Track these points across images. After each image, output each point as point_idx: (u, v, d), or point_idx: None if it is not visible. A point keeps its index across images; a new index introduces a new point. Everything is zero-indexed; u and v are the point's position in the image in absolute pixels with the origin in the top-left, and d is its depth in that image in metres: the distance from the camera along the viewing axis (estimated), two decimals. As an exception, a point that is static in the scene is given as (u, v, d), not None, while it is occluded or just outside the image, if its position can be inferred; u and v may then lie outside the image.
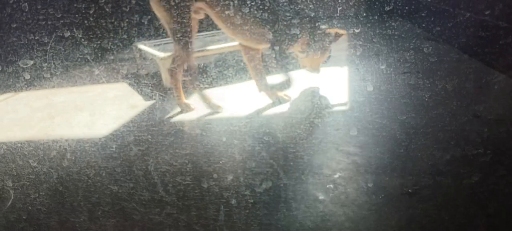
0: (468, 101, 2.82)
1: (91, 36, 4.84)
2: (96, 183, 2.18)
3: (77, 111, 3.24)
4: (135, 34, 4.83)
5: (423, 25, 4.92)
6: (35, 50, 4.25)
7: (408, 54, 3.37)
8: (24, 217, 1.92)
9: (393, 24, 5.86)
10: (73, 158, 2.47)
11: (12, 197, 2.06)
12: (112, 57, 4.83)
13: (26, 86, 3.98)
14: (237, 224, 1.76)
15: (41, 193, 2.12)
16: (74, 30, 4.72)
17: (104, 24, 4.91)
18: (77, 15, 4.86)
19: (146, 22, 4.78)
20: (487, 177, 1.92)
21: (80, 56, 4.61)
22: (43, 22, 4.51)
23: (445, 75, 3.37)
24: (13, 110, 3.40)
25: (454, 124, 2.51)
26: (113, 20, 4.94)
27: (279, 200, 1.89)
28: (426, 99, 2.86)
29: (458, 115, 2.61)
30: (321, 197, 1.88)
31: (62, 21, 4.67)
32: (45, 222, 1.89)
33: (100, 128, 2.88)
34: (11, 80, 4.07)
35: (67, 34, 4.64)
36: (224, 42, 3.93)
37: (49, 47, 4.35)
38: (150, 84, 3.75)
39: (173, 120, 2.96)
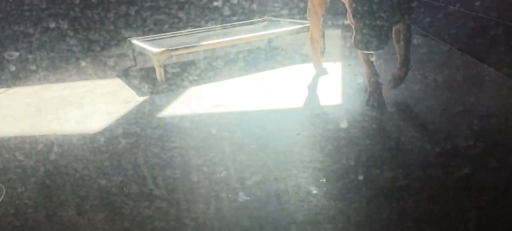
0: (458, 95, 2.84)
1: (77, 27, 4.79)
2: (84, 177, 2.16)
3: (69, 107, 3.20)
4: (122, 25, 4.80)
5: (415, 15, 4.94)
6: (20, 42, 4.20)
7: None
8: (11, 212, 1.89)
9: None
10: (61, 152, 2.44)
11: (4, 193, 2.03)
12: (98, 49, 4.78)
13: (11, 78, 3.93)
14: (227, 217, 1.75)
15: (28, 187, 2.10)
16: (60, 21, 4.67)
17: (90, 15, 4.87)
18: (62, 6, 4.80)
19: (133, 13, 4.75)
20: (478, 169, 1.92)
21: (66, 47, 4.56)
22: (28, 13, 4.45)
23: (435, 68, 3.38)
24: (1, 106, 3.36)
25: (445, 117, 2.52)
26: (99, 11, 4.91)
27: (269, 194, 1.88)
28: (416, 92, 2.88)
29: (449, 108, 2.62)
30: (313, 191, 1.88)
31: (47, 12, 4.61)
32: (33, 217, 1.87)
33: (91, 123, 2.86)
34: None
35: (53, 25, 4.59)
36: (219, 38, 3.92)
37: (34, 38, 4.31)
38: (143, 80, 3.72)
39: (162, 113, 2.94)
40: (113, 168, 2.22)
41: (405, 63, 2.75)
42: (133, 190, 2.00)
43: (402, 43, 2.74)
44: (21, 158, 2.40)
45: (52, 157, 2.39)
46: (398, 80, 2.78)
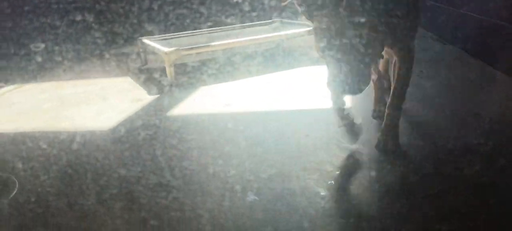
0: (469, 96, 2.84)
1: (102, 20, 4.87)
2: (105, 166, 2.22)
3: (84, 104, 3.26)
4: (145, 19, 4.86)
5: (427, 19, 4.90)
6: (46, 34, 4.29)
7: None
8: (32, 199, 1.96)
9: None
10: (82, 142, 2.51)
11: (17, 186, 2.08)
12: (122, 42, 4.84)
13: (37, 68, 4.02)
14: (240, 210, 1.79)
15: (50, 175, 2.16)
16: (86, 14, 4.76)
17: (115, 8, 4.94)
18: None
19: (156, 8, 4.81)
20: (487, 167, 1.93)
21: (91, 40, 4.64)
22: (55, 6, 4.55)
23: (446, 69, 3.37)
24: (26, 100, 3.43)
25: (455, 117, 2.52)
26: (124, 5, 4.97)
27: (278, 193, 1.90)
28: (428, 90, 2.87)
29: (459, 109, 2.62)
30: (322, 193, 1.90)
31: (73, 5, 4.70)
32: (54, 204, 1.93)
33: (111, 116, 2.92)
34: (23, 62, 4.11)
35: (79, 18, 4.67)
36: (230, 39, 3.94)
37: (60, 30, 4.40)
38: (155, 79, 3.76)
39: (179, 108, 2.99)
40: (132, 158, 2.28)
41: (393, 108, 2.15)
42: (151, 180, 2.05)
43: (394, 76, 2.17)
44: (44, 146, 2.47)
45: (74, 146, 2.45)
46: (383, 145, 2.17)
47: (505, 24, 3.10)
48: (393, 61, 2.17)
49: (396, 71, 2.13)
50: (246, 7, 4.58)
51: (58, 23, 4.50)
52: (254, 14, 4.64)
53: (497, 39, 3.26)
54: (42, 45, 4.09)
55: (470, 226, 1.60)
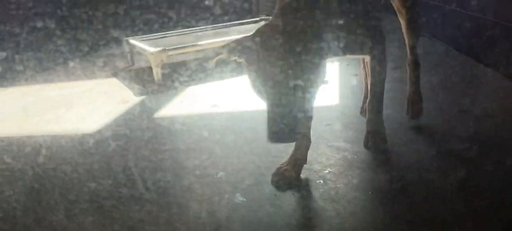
0: (455, 96, 2.84)
1: (65, 27, 4.74)
2: (73, 180, 2.12)
3: (64, 108, 3.17)
4: (111, 24, 4.75)
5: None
6: (6, 42, 4.14)
7: (394, 44, 3.35)
8: (-1, 215, 1.86)
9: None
10: (49, 154, 2.41)
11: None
12: (86, 49, 4.73)
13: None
14: (219, 221, 1.73)
15: (16, 191, 2.06)
16: (47, 20, 4.62)
17: (78, 14, 4.81)
18: (49, 4, 4.75)
19: (121, 12, 4.71)
20: (474, 172, 1.92)
21: (54, 48, 4.50)
22: (14, 12, 4.39)
23: (430, 69, 3.38)
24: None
25: (440, 119, 2.51)
26: (87, 10, 4.85)
27: (263, 197, 1.86)
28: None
29: (444, 110, 2.62)
30: (309, 193, 1.86)
31: (34, 10, 4.56)
32: (21, 221, 1.84)
33: (78, 125, 2.82)
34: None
35: (40, 24, 4.53)
36: (216, 38, 3.88)
37: (21, 38, 4.25)
38: (140, 79, 3.69)
39: (153, 114, 2.91)
40: (103, 171, 2.19)
41: (374, 113, 2.13)
42: (123, 193, 1.97)
43: (369, 78, 2.11)
44: (8, 160, 2.36)
45: (40, 159, 2.35)
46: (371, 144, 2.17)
47: (494, 20, 3.12)
48: (365, 63, 2.18)
49: (369, 75, 2.08)
50: (218, 11, 4.54)
51: (18, 30, 4.35)
52: (225, 17, 4.60)
53: (485, 35, 3.28)
54: (4, 54, 3.95)
55: (457, 233, 1.58)
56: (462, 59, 3.56)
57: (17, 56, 4.15)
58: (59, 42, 4.53)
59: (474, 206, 1.69)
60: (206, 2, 4.54)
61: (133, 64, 4.11)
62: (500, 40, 3.07)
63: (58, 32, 4.61)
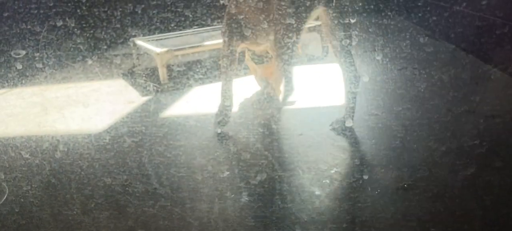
0: (464, 95, 2.81)
1: (84, 25, 4.79)
2: (89, 175, 2.16)
3: (74, 106, 3.20)
4: (129, 23, 4.79)
5: (420, 15, 4.90)
6: (27, 40, 4.21)
7: (404, 44, 3.35)
8: (16, 210, 1.90)
9: (389, 14, 5.84)
10: (66, 150, 2.45)
11: (7, 192, 2.03)
12: (105, 47, 4.79)
13: (18, 76, 3.93)
14: (231, 217, 1.75)
15: (33, 186, 2.10)
16: (67, 19, 4.68)
17: (97, 13, 4.86)
18: (69, 4, 4.80)
19: (139, 11, 4.74)
20: (483, 169, 1.91)
21: (73, 46, 4.56)
22: (35, 11, 4.46)
23: (440, 67, 3.36)
24: (8, 106, 3.36)
25: (450, 116, 2.50)
26: (106, 9, 4.90)
27: (274, 193, 1.87)
28: (422, 91, 2.85)
29: (454, 108, 2.60)
30: (316, 191, 1.87)
31: (54, 10, 4.62)
32: (38, 215, 1.87)
33: (96, 122, 2.86)
34: (3, 70, 4.02)
35: (60, 23, 4.59)
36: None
37: (41, 36, 4.31)
38: (147, 80, 3.72)
39: (167, 112, 2.94)
40: (118, 166, 2.23)
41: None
42: (138, 188, 2.00)
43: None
44: (27, 156, 2.41)
45: (58, 155, 2.39)
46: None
47: (500, 21, 3.09)
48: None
49: None
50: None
51: (38, 28, 4.41)
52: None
53: (491, 35, 3.26)
54: (23, 52, 4.00)
55: (466, 229, 1.57)
56: (470, 60, 3.53)
57: (37, 54, 4.21)
58: (78, 40, 4.59)
59: (484, 203, 1.69)
60: (221, 1, 4.55)
61: (139, 64, 4.12)
62: (508, 40, 3.04)
63: (77, 31, 4.67)
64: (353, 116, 2.41)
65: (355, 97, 2.42)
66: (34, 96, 3.54)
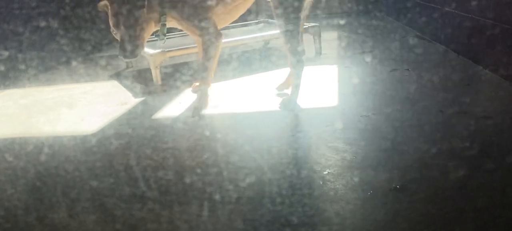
0: (454, 96, 2.83)
1: (67, 26, 4.74)
2: (75, 178, 2.12)
3: (63, 109, 3.17)
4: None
5: (410, 17, 4.93)
6: (9, 41, 4.15)
7: (394, 46, 3.37)
8: (1, 213, 1.86)
9: (378, 15, 5.87)
10: (51, 153, 2.41)
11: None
12: (89, 48, 4.74)
13: (0, 78, 3.87)
14: (220, 220, 1.73)
15: (18, 189, 2.06)
16: (50, 19, 4.62)
17: (81, 13, 4.82)
18: (52, 4, 4.75)
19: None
20: (474, 170, 1.91)
21: (57, 47, 4.51)
22: (18, 12, 4.39)
23: (431, 68, 3.38)
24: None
25: (441, 117, 2.51)
26: (90, 9, 4.86)
27: (263, 195, 1.86)
28: (412, 92, 2.86)
29: (445, 109, 2.61)
30: (306, 192, 1.86)
31: (37, 10, 4.56)
32: (23, 219, 1.84)
33: (82, 125, 2.82)
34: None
35: (43, 24, 4.53)
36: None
37: (24, 37, 4.25)
38: (139, 81, 3.69)
39: (154, 114, 2.91)
40: (105, 169, 2.20)
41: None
42: (125, 191, 1.97)
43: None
44: (10, 159, 2.37)
45: (43, 158, 2.35)
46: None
47: (491, 22, 3.11)
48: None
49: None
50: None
51: (21, 29, 4.35)
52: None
53: (482, 37, 3.28)
54: (6, 53, 3.94)
55: (458, 231, 1.57)
56: (461, 61, 3.55)
57: (20, 56, 4.16)
58: (62, 41, 4.53)
59: (475, 205, 1.69)
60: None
61: (132, 65, 4.10)
62: (499, 42, 3.06)
63: (61, 32, 4.61)
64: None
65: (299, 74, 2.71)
66: (20, 98, 3.49)
